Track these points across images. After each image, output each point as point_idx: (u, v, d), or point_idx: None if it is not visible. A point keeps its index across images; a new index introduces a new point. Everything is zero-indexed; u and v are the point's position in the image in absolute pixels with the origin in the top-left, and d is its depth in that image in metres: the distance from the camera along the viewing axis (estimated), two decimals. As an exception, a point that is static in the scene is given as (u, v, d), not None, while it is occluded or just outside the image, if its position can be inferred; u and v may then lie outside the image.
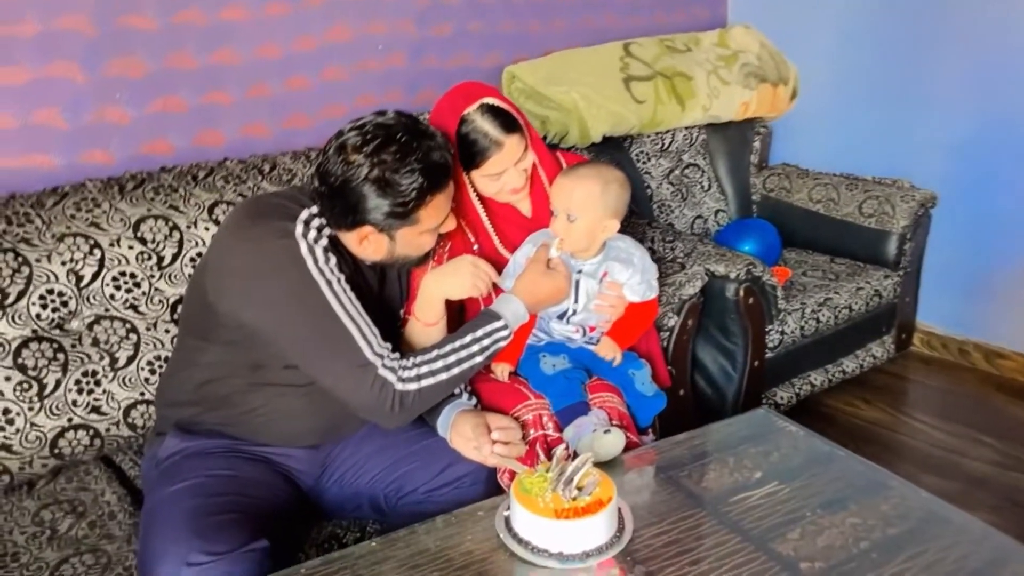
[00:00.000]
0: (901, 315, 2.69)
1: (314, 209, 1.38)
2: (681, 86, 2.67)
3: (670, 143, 2.76)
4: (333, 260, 1.34)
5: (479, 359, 1.41)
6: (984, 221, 2.67)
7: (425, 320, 1.50)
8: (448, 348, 1.39)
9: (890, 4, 2.76)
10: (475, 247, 1.63)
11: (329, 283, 1.32)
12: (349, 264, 1.42)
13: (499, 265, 1.60)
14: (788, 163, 3.03)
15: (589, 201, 1.52)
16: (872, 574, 1.13)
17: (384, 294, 1.54)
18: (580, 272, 1.57)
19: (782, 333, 2.31)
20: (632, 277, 1.57)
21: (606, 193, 1.53)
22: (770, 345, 2.29)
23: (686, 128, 2.79)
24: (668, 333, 2.01)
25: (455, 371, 1.39)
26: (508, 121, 1.53)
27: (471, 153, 1.53)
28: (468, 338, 1.41)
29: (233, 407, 1.44)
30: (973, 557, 1.17)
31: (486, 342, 1.42)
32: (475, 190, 1.60)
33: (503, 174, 1.55)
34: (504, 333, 1.43)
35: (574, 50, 2.64)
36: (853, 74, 2.93)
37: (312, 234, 1.34)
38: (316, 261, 1.32)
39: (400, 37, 2.34)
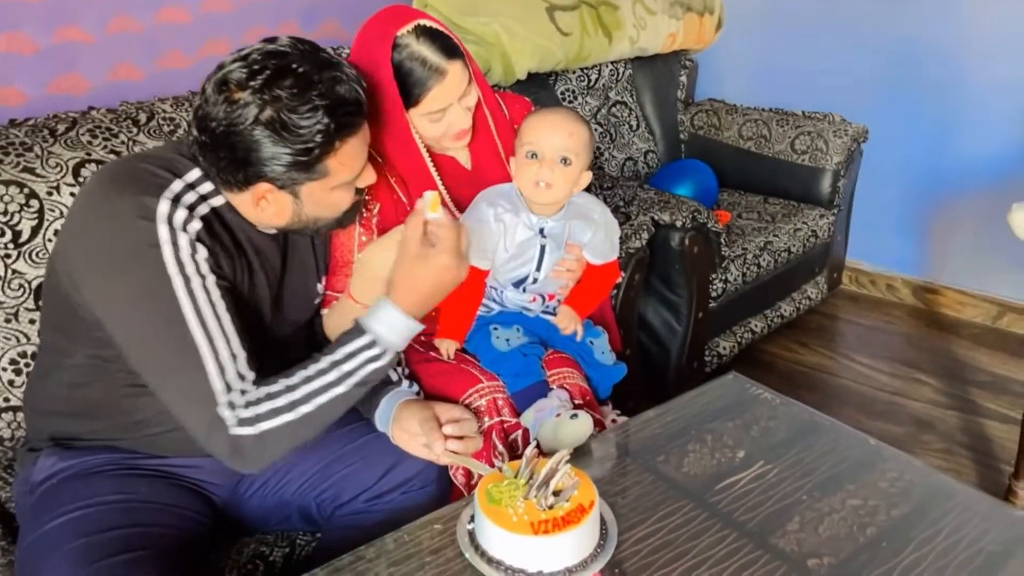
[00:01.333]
0: (833, 254, 2.63)
1: (191, 176, 1.10)
2: (607, 16, 2.46)
3: (596, 79, 2.56)
4: (202, 253, 1.07)
5: (340, 390, 1.08)
6: (911, 156, 2.63)
7: (366, 301, 1.23)
8: (299, 377, 1.07)
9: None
10: (374, 209, 1.36)
11: (187, 282, 1.04)
12: (234, 248, 1.15)
13: None
14: (715, 99, 2.89)
15: (584, 144, 1.32)
16: (887, 567, 1.02)
17: (289, 278, 1.27)
18: (543, 233, 1.35)
19: (725, 281, 2.19)
20: (595, 236, 1.37)
21: (592, 138, 1.35)
22: (713, 295, 2.17)
23: (612, 63, 2.60)
24: (616, 291, 1.85)
25: (305, 408, 1.06)
26: (448, 45, 1.28)
27: (407, 85, 1.28)
28: (325, 361, 1.09)
29: (117, 415, 1.17)
30: (989, 537, 1.06)
31: (349, 366, 1.08)
32: (420, 137, 1.36)
33: (446, 111, 1.31)
34: (373, 353, 1.09)
35: (490, -25, 2.38)
36: (778, 2, 2.80)
37: (180, 215, 1.06)
38: (177, 252, 1.04)
39: (294, -40, 2.03)
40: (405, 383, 1.32)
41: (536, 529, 0.99)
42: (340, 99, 1.06)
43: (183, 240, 1.04)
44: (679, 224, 1.95)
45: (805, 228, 2.43)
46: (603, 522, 1.07)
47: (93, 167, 1.50)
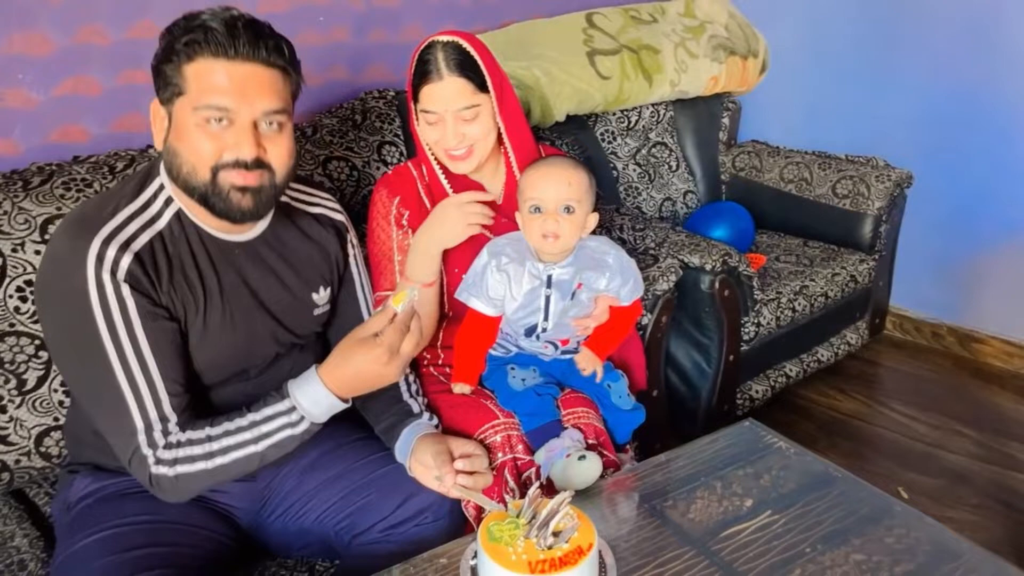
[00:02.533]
0: (875, 299, 2.59)
1: (137, 203, 1.16)
2: (648, 60, 2.51)
3: (636, 121, 2.60)
4: (127, 293, 1.11)
5: (254, 449, 1.14)
6: (957, 202, 2.59)
7: (423, 279, 1.42)
8: (222, 428, 1.15)
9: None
10: (405, 214, 1.52)
11: (111, 327, 1.10)
12: (183, 269, 1.18)
13: None
14: (758, 140, 2.90)
15: (583, 190, 1.37)
16: (883, 626, 1.02)
17: (274, 292, 1.29)
18: (550, 283, 1.40)
19: (758, 325, 2.19)
20: (611, 281, 1.41)
21: (592, 182, 1.40)
22: (745, 338, 2.17)
23: (653, 105, 2.64)
24: (642, 332, 1.87)
25: (219, 460, 1.13)
26: (464, 64, 1.40)
27: (416, 75, 1.43)
28: (246, 419, 1.16)
29: None
30: (991, 601, 1.06)
31: (267, 427, 1.15)
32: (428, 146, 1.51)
33: (440, 120, 1.42)
34: (292, 419, 1.15)
35: (534, 21, 2.45)
36: (824, 46, 2.81)
37: (111, 253, 1.10)
38: (103, 296, 1.09)
39: (343, 8, 2.12)
40: (426, 415, 1.38)
41: (533, 568, 1.02)
42: (202, 23, 1.10)
43: (108, 287, 1.09)
44: (709, 267, 1.96)
45: (844, 273, 2.41)
46: (603, 564, 1.09)
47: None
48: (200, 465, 1.13)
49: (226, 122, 1.11)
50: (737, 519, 1.21)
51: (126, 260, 1.11)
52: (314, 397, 1.17)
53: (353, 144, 1.94)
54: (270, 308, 1.28)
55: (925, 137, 2.61)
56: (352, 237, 1.44)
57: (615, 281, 1.42)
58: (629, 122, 2.58)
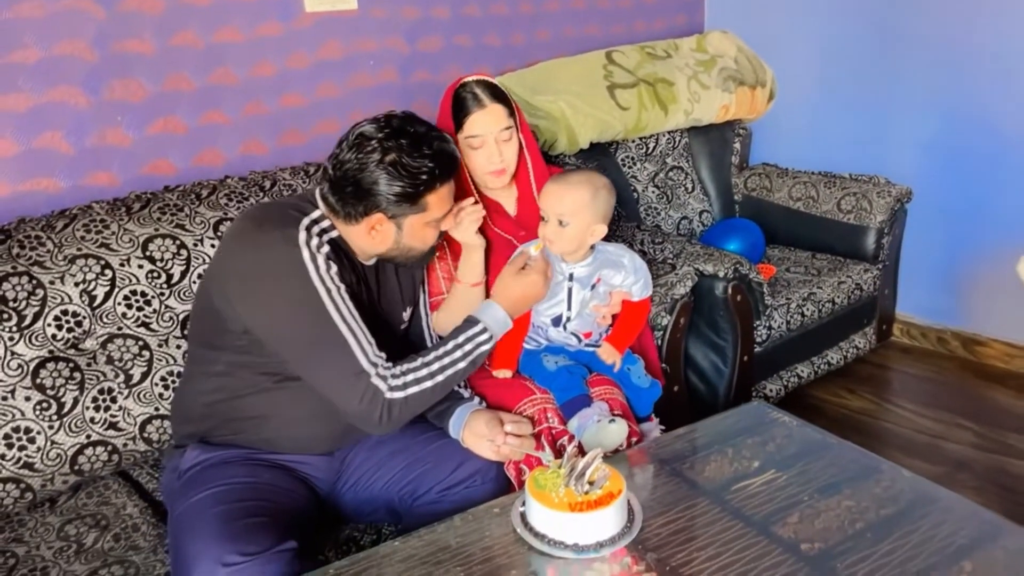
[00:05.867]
0: (881, 307, 2.78)
1: (316, 214, 1.44)
2: (663, 92, 2.75)
3: (654, 147, 2.84)
4: (334, 268, 1.39)
5: (462, 365, 1.45)
6: (957, 213, 2.78)
7: (470, 280, 1.66)
8: (432, 356, 1.43)
9: (862, 7, 2.86)
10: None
11: (329, 291, 1.36)
12: (349, 272, 1.48)
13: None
14: (768, 163, 3.12)
15: (580, 206, 1.58)
16: (868, 552, 1.21)
17: (382, 303, 1.59)
18: (572, 278, 1.64)
19: (769, 328, 2.40)
20: (627, 279, 1.65)
21: (596, 199, 1.60)
22: (758, 340, 2.37)
23: (669, 132, 2.88)
24: (662, 332, 2.09)
25: (439, 378, 1.42)
26: (497, 92, 1.67)
27: (459, 111, 1.67)
28: (451, 344, 1.45)
29: (245, 417, 1.49)
30: (962, 533, 1.24)
31: (468, 347, 1.46)
32: (474, 183, 1.73)
33: (484, 144, 1.65)
34: (484, 337, 1.47)
35: (559, 60, 2.71)
36: (828, 74, 3.03)
37: (315, 241, 1.38)
38: (318, 269, 1.36)
39: (391, 53, 2.40)
40: (476, 399, 1.61)
41: (573, 508, 1.24)
42: (444, 152, 1.42)
43: (320, 258, 1.37)
44: (721, 274, 2.18)
45: (849, 281, 2.61)
46: (631, 510, 1.30)
47: (229, 224, 1.86)
48: (426, 384, 1.41)
49: None
50: (745, 476, 1.41)
51: (326, 248, 1.39)
52: (495, 317, 1.50)
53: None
54: (376, 319, 1.52)
55: (925, 155, 2.81)
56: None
57: (629, 279, 1.66)
58: (647, 148, 2.82)
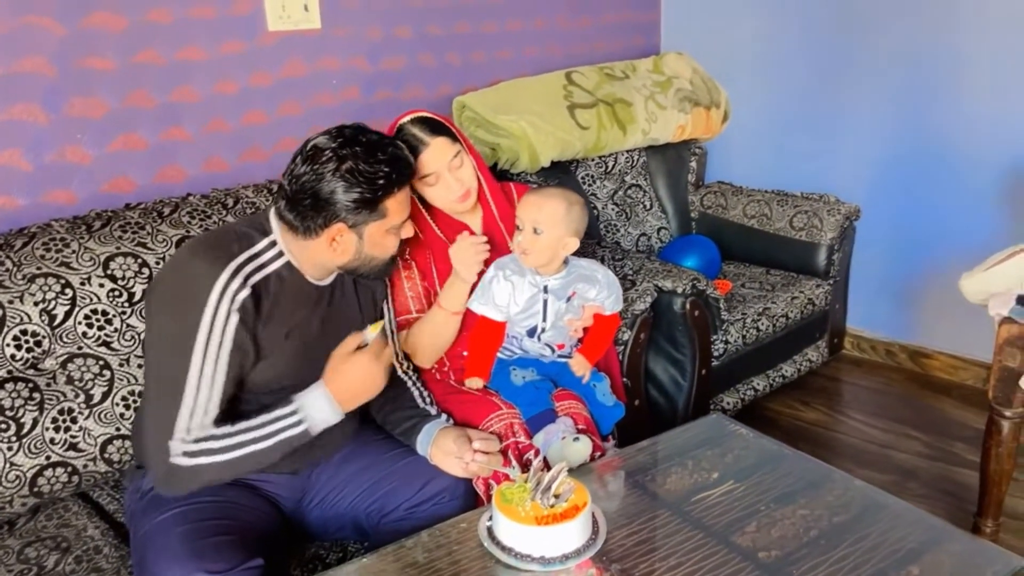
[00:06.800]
0: (832, 321, 2.88)
1: (259, 246, 1.43)
2: (621, 112, 2.82)
3: (613, 165, 2.90)
4: (234, 321, 1.35)
5: (262, 446, 1.36)
6: (904, 229, 2.89)
7: (453, 308, 1.67)
8: (236, 429, 1.36)
9: (813, 30, 2.97)
10: (406, 252, 1.75)
11: (208, 343, 1.34)
12: (290, 307, 1.44)
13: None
14: (723, 181, 3.21)
15: (555, 217, 1.62)
16: (822, 558, 1.26)
17: (341, 326, 1.54)
18: (546, 290, 1.67)
19: (726, 342, 2.46)
20: (600, 293, 1.70)
21: (570, 212, 1.64)
22: (715, 354, 2.43)
23: (627, 151, 2.94)
24: (623, 347, 2.13)
25: (235, 454, 1.35)
26: (435, 126, 1.68)
27: None
28: (257, 421, 1.38)
29: None
30: (910, 538, 1.30)
31: (272, 428, 1.37)
32: (424, 206, 1.74)
33: (439, 178, 1.67)
34: (293, 420, 1.37)
35: (520, 79, 2.76)
36: (781, 96, 3.13)
37: (234, 285, 1.36)
38: (215, 318, 1.34)
39: (353, 72, 2.42)
40: (443, 416, 1.62)
41: (539, 521, 1.26)
42: (398, 157, 1.42)
43: (223, 310, 1.34)
44: (680, 291, 2.24)
45: (802, 296, 2.70)
46: (595, 522, 1.34)
47: (192, 241, 1.86)
48: (218, 457, 1.34)
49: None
50: (705, 487, 1.46)
51: (244, 294, 1.37)
52: (315, 404, 1.39)
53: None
54: (336, 340, 1.50)
55: (874, 173, 2.92)
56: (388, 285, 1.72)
57: (602, 293, 1.70)
58: (607, 167, 2.88)
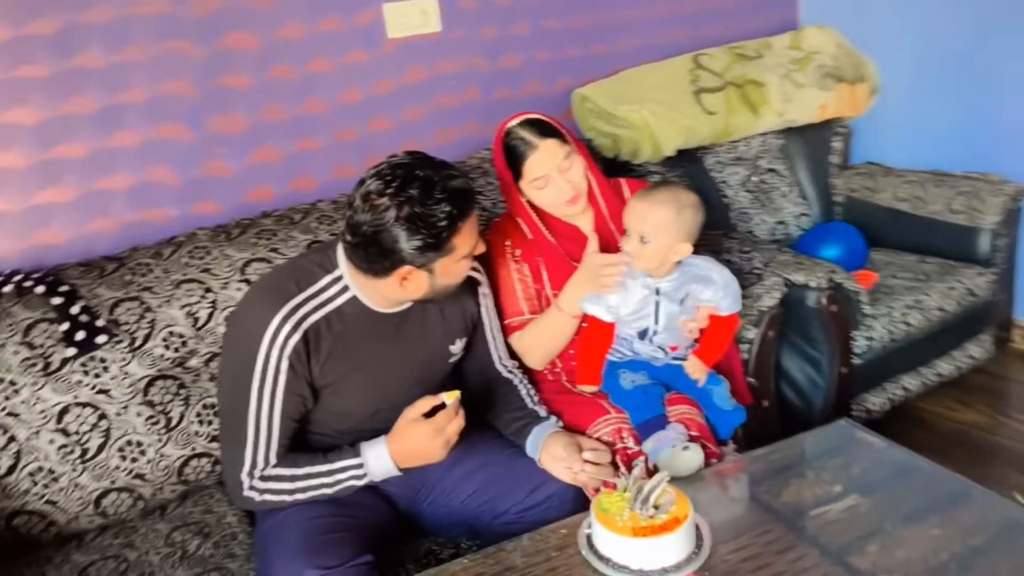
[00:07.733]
0: (997, 313, 2.60)
1: (320, 284, 1.45)
2: (753, 93, 2.67)
3: (746, 150, 2.76)
4: (285, 367, 1.42)
5: (327, 492, 1.45)
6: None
7: (572, 312, 1.66)
8: (304, 472, 1.46)
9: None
10: (517, 253, 1.76)
11: (262, 383, 1.42)
12: (353, 338, 1.47)
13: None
14: (872, 161, 2.97)
15: (663, 225, 1.56)
16: (951, 587, 1.15)
17: (421, 346, 1.57)
18: (658, 292, 1.62)
19: (869, 339, 2.28)
20: (715, 294, 1.62)
21: (680, 217, 1.58)
22: (857, 351, 2.27)
23: (761, 135, 2.79)
24: (748, 345, 2.04)
25: (299, 496, 1.45)
26: (545, 128, 1.65)
27: (514, 159, 1.67)
28: (325, 468, 1.45)
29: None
30: (1059, 568, 1.16)
31: (340, 476, 1.45)
32: (533, 209, 1.73)
33: (549, 181, 1.65)
34: (359, 472, 1.45)
35: (644, 66, 2.68)
36: (935, 66, 2.85)
37: (285, 330, 1.40)
38: (267, 359, 1.41)
39: (472, 72, 2.45)
40: (553, 419, 1.62)
41: (637, 533, 1.23)
42: (456, 190, 1.36)
43: (274, 356, 1.41)
44: (814, 284, 2.10)
45: (960, 287, 2.46)
46: (700, 534, 1.29)
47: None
48: (282, 497, 1.46)
49: None
50: (825, 501, 1.37)
51: (295, 339, 1.41)
52: (379, 459, 1.45)
53: (482, 190, 2.23)
54: (416, 362, 1.55)
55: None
56: (484, 288, 1.70)
57: (718, 294, 1.62)
58: (738, 152, 2.75)
